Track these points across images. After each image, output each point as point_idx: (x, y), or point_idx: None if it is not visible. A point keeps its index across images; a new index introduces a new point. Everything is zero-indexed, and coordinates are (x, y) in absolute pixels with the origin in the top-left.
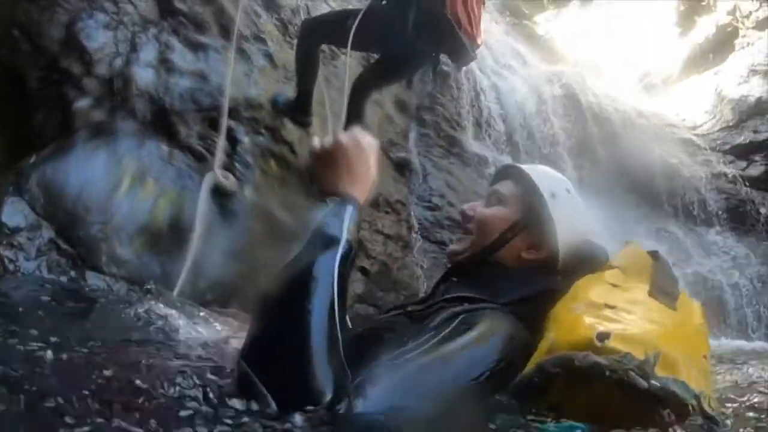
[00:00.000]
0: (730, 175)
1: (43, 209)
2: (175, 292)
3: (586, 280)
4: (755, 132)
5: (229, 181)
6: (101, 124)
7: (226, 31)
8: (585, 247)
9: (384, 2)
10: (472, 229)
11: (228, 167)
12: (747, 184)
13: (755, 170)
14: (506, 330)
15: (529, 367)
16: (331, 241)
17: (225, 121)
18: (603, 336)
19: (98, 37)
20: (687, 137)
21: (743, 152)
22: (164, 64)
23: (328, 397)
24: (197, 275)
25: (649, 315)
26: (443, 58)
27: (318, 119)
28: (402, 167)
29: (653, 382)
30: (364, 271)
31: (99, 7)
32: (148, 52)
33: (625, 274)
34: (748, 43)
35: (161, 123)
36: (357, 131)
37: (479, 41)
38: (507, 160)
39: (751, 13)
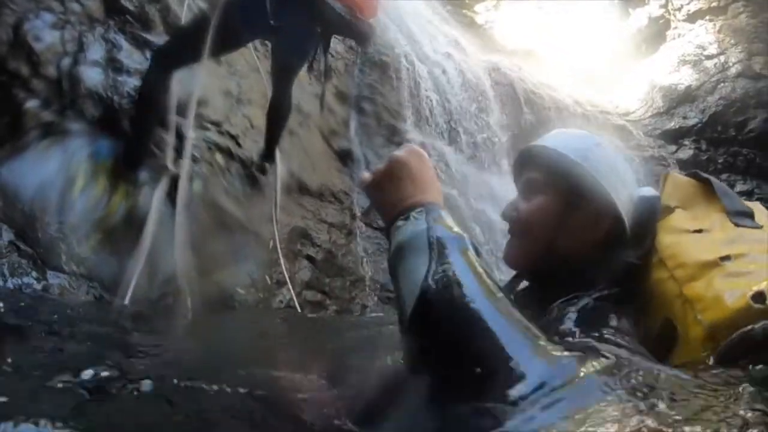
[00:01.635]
0: (660, 159)
1: (2, 212)
2: (127, 298)
3: (668, 238)
4: (684, 118)
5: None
6: (51, 124)
7: (172, 29)
8: (640, 198)
9: None
10: (522, 230)
11: (176, 163)
12: (677, 166)
13: (684, 153)
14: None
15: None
16: (454, 245)
17: (174, 118)
18: (759, 297)
19: (46, 38)
20: (620, 123)
21: (673, 137)
22: (112, 63)
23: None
24: (153, 270)
25: (759, 248)
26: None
27: (261, 111)
28: (344, 157)
29: None
30: (310, 258)
31: (46, 7)
32: (96, 52)
33: (690, 210)
34: (679, 35)
35: (110, 122)
36: (408, 147)
37: (364, 4)
38: (445, 148)
39: (682, 6)
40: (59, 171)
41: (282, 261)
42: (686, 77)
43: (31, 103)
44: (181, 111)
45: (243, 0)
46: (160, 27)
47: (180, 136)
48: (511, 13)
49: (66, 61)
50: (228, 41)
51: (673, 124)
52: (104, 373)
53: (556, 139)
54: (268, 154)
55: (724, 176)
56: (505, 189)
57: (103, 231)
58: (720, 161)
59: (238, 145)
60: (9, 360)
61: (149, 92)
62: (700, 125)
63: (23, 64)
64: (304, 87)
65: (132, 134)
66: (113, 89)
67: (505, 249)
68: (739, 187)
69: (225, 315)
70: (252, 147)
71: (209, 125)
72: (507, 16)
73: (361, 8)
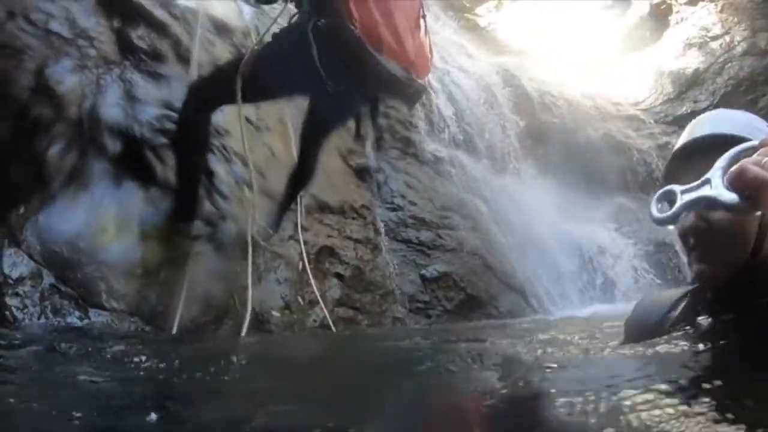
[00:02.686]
0: (673, 145)
1: (41, 257)
2: (174, 328)
3: None
4: (695, 102)
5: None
6: (74, 169)
7: (184, 61)
8: None
9: (271, 42)
10: (723, 242)
11: (208, 200)
12: None
13: None
14: None
15: None
16: None
17: None
18: None
19: (66, 81)
20: (632, 113)
21: (686, 122)
22: (130, 99)
23: None
24: (191, 300)
25: None
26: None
27: (280, 138)
28: (362, 173)
29: None
30: (339, 276)
31: (64, 53)
32: (114, 93)
33: None
34: (682, 19)
35: (135, 160)
36: None
37: (419, 62)
38: (461, 155)
39: None
40: (88, 219)
41: (312, 281)
42: (693, 60)
43: (54, 150)
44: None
45: (285, 55)
46: (173, 60)
47: (206, 172)
48: (513, 12)
49: (86, 104)
50: (264, 92)
51: (684, 108)
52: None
53: (733, 124)
54: (277, 221)
55: None
56: (521, 190)
57: (140, 269)
58: None
59: (262, 175)
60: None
61: (186, 133)
62: (711, 107)
63: (45, 109)
64: None
65: (179, 185)
66: (133, 118)
67: (698, 267)
68: None
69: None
70: (275, 177)
71: (234, 157)
72: (509, 15)
73: (417, 68)
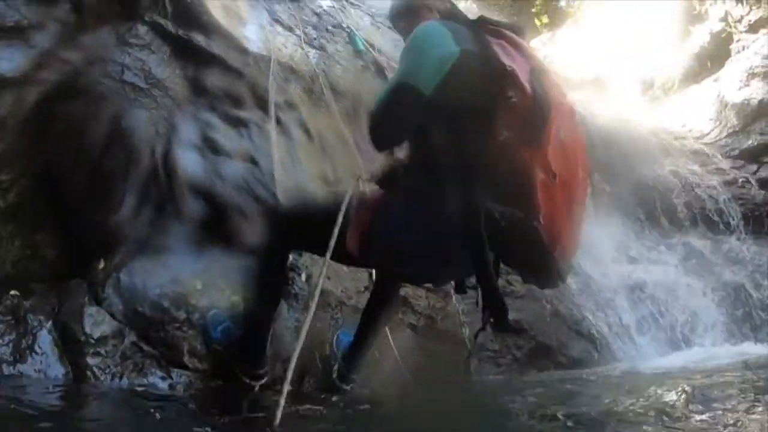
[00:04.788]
0: (741, 180)
1: (123, 315)
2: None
3: None
4: (762, 134)
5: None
6: (155, 224)
7: (262, 101)
8: None
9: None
10: None
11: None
12: (760, 186)
13: (766, 172)
14: None
15: None
16: None
17: None
18: None
19: (140, 132)
20: (696, 147)
21: (752, 155)
22: (208, 144)
23: None
24: (274, 359)
25: None
26: None
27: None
28: None
29: None
30: (412, 327)
31: (139, 102)
32: (190, 134)
33: None
34: (744, 47)
35: (215, 222)
36: None
37: (569, 249)
38: None
39: (742, 17)
40: (172, 277)
41: (388, 333)
42: (757, 91)
43: (130, 203)
44: None
45: (425, 240)
46: (249, 101)
47: None
48: (568, 43)
49: (160, 149)
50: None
51: (750, 141)
52: None
53: None
54: (353, 368)
55: None
56: (587, 230)
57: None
58: None
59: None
60: None
61: (257, 325)
62: None
63: (120, 160)
64: None
65: (246, 324)
66: (214, 172)
67: None
68: None
69: None
70: None
71: None
72: (564, 47)
73: (565, 251)
